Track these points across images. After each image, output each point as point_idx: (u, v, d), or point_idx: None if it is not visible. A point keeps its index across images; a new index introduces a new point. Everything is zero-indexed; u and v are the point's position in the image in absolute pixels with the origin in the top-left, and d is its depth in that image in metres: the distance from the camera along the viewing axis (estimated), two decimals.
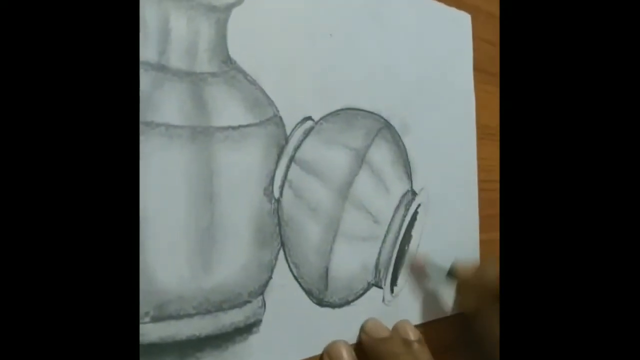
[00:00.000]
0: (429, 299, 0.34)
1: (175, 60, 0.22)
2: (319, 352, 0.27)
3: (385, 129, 0.31)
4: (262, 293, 0.25)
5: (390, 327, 0.31)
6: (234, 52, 0.24)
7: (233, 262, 0.24)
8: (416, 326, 0.31)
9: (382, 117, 0.31)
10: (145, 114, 0.21)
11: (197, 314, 0.23)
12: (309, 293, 0.27)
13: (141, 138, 0.21)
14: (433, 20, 0.35)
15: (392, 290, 0.31)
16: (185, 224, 0.22)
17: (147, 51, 0.22)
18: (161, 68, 0.22)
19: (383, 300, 0.31)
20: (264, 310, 0.25)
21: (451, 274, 0.33)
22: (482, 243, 0.38)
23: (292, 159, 0.26)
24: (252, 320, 0.25)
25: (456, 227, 0.36)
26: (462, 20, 0.37)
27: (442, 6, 0.36)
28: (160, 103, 0.22)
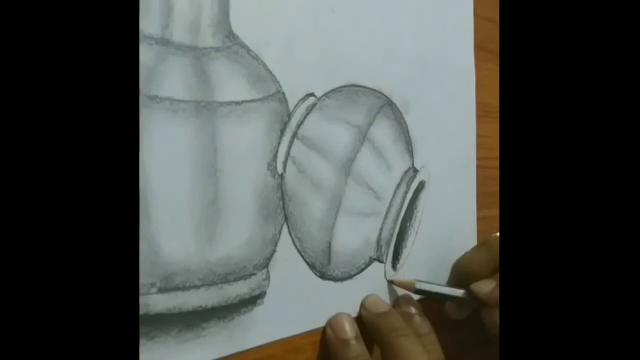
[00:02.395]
0: (431, 275, 0.34)
1: (179, 35, 0.23)
2: (322, 324, 0.28)
3: (387, 106, 0.31)
4: (266, 266, 0.25)
5: (392, 300, 0.31)
6: (237, 27, 0.24)
7: (238, 236, 0.24)
8: (418, 301, 0.32)
9: (384, 95, 0.31)
10: (149, 88, 0.21)
11: (203, 285, 0.23)
12: (312, 267, 0.27)
13: (145, 112, 0.21)
14: None
15: (394, 266, 0.32)
16: (190, 197, 0.23)
17: (150, 25, 0.22)
18: (165, 42, 0.22)
19: (385, 275, 0.31)
20: (269, 283, 0.25)
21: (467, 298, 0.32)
22: (480, 220, 0.38)
23: (295, 135, 0.27)
24: (257, 292, 0.25)
25: (455, 204, 0.37)
26: None
27: None
28: (164, 77, 0.22)
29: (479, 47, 0.38)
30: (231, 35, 0.24)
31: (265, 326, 0.25)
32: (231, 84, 0.24)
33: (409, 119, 0.33)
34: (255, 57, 0.25)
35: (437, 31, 0.35)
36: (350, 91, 0.29)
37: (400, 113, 0.32)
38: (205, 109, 0.23)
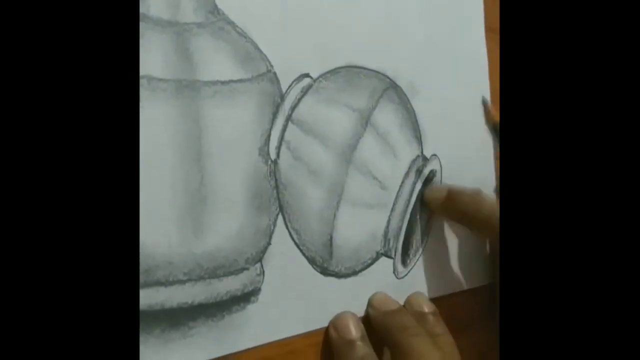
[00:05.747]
0: (446, 271, 0.32)
1: (156, 9, 0.21)
2: (323, 324, 0.25)
3: (392, 89, 0.29)
4: (260, 260, 0.23)
5: (402, 299, 0.29)
6: (222, 1, 0.23)
7: (226, 226, 0.22)
8: (431, 300, 0.29)
9: (387, 77, 0.29)
10: None
11: (189, 280, 0.21)
12: (311, 261, 0.25)
13: None
14: None
15: (403, 262, 0.30)
16: (172, 184, 0.21)
17: None
18: (141, 17, 0.21)
19: (394, 271, 0.29)
20: (263, 278, 0.23)
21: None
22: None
23: (289, 119, 0.25)
24: (249, 288, 0.23)
25: None
26: None
27: None
28: (141, 54, 0.20)
29: (490, 28, 0.35)
30: (215, 11, 0.23)
31: (259, 326, 0.23)
32: (216, 62, 0.22)
33: (416, 104, 0.30)
34: (243, 34, 0.23)
35: (445, 8, 0.33)
36: (349, 72, 0.27)
37: (406, 97, 0.30)
38: (187, 88, 0.21)
